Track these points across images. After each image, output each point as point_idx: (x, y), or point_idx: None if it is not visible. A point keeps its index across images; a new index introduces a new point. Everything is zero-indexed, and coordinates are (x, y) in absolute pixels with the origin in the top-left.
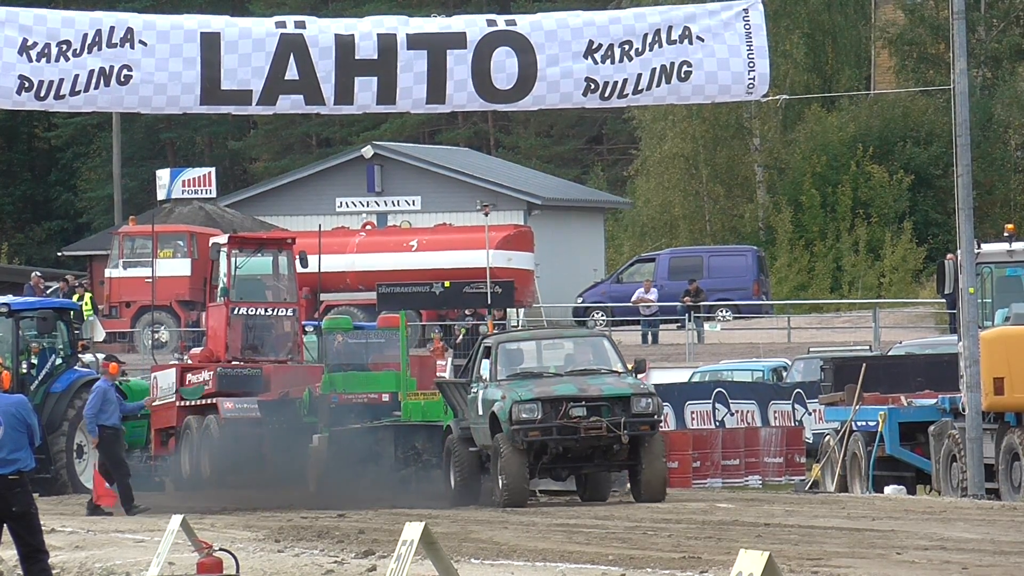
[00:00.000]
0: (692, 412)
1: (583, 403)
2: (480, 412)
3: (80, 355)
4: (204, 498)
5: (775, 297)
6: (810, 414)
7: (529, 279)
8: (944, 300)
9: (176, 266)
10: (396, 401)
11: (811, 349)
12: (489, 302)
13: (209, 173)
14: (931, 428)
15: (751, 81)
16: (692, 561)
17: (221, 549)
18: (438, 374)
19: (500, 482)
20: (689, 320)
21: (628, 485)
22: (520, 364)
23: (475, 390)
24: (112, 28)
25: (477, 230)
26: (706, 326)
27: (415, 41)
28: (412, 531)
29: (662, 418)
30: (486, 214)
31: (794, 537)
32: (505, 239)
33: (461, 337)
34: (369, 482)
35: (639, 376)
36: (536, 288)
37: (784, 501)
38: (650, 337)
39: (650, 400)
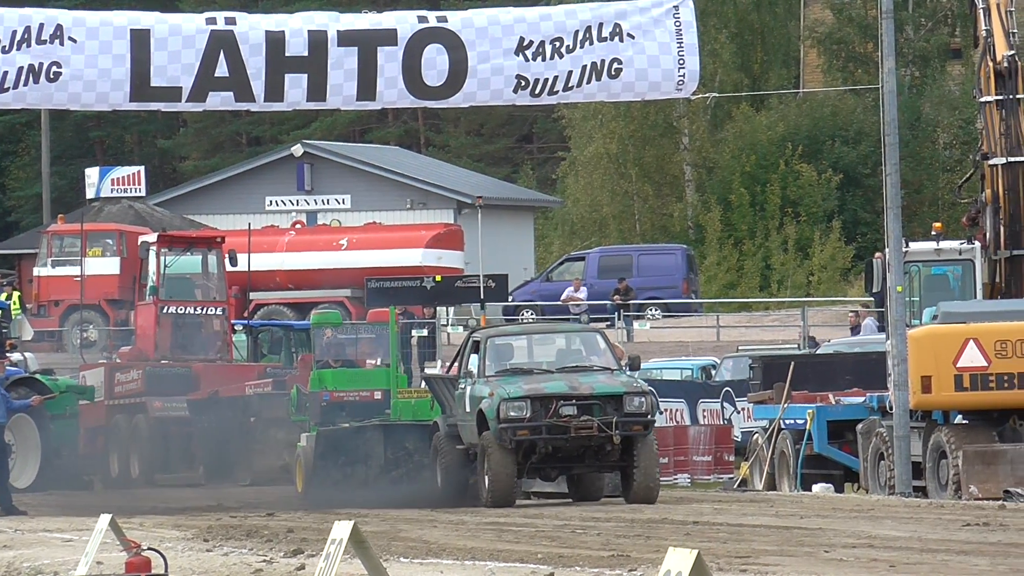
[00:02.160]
0: None
1: (574, 401)
2: (468, 409)
3: (8, 354)
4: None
5: (704, 296)
6: (739, 412)
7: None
8: (872, 299)
9: (105, 265)
10: (389, 399)
11: (740, 347)
12: (482, 296)
13: (138, 172)
14: (859, 426)
15: (681, 78)
16: (621, 559)
17: (149, 548)
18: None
19: (486, 482)
20: (619, 319)
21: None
22: (510, 360)
23: (463, 386)
24: (41, 25)
25: (407, 228)
26: (635, 324)
27: (346, 38)
28: (341, 530)
29: (656, 418)
30: (479, 205)
31: (723, 535)
32: (435, 238)
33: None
34: (358, 483)
35: (634, 373)
36: None
37: (713, 499)
38: None
39: (643, 399)
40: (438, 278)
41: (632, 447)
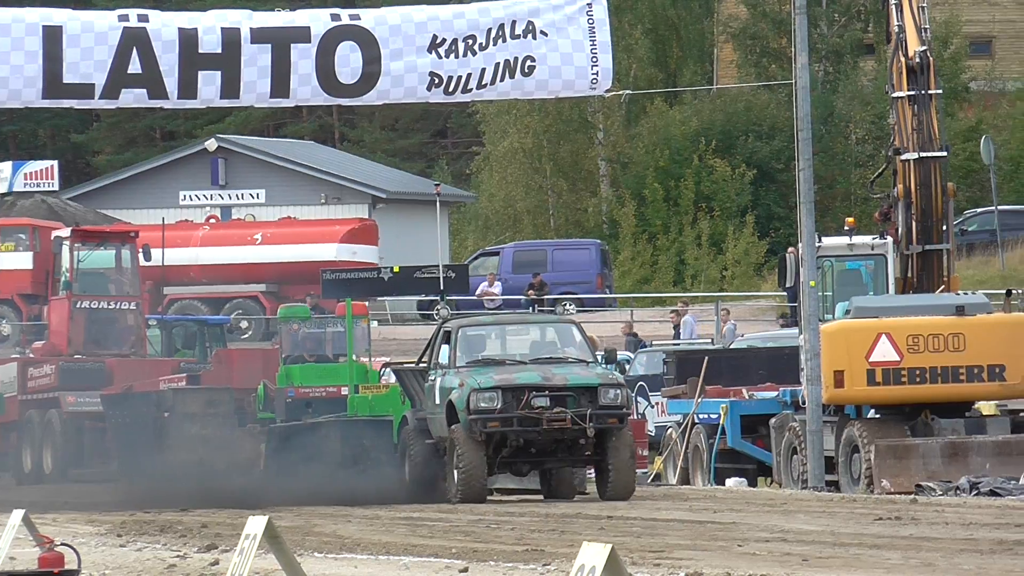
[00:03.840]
0: None
1: (546, 393)
2: (437, 401)
3: None
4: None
5: (618, 290)
6: (653, 407)
7: None
8: (785, 293)
9: (18, 259)
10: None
11: (654, 342)
12: (442, 287)
13: (52, 166)
14: (772, 421)
15: (594, 76)
16: (535, 554)
17: (63, 544)
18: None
19: (456, 477)
20: (533, 313)
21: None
22: (482, 350)
23: (432, 377)
24: None
25: (322, 223)
26: None
27: (259, 35)
28: (255, 525)
29: (631, 411)
30: (438, 194)
31: (636, 529)
32: (350, 232)
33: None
34: (313, 481)
35: (610, 365)
36: None
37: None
38: None
39: (619, 391)
40: (396, 269)
41: (607, 441)
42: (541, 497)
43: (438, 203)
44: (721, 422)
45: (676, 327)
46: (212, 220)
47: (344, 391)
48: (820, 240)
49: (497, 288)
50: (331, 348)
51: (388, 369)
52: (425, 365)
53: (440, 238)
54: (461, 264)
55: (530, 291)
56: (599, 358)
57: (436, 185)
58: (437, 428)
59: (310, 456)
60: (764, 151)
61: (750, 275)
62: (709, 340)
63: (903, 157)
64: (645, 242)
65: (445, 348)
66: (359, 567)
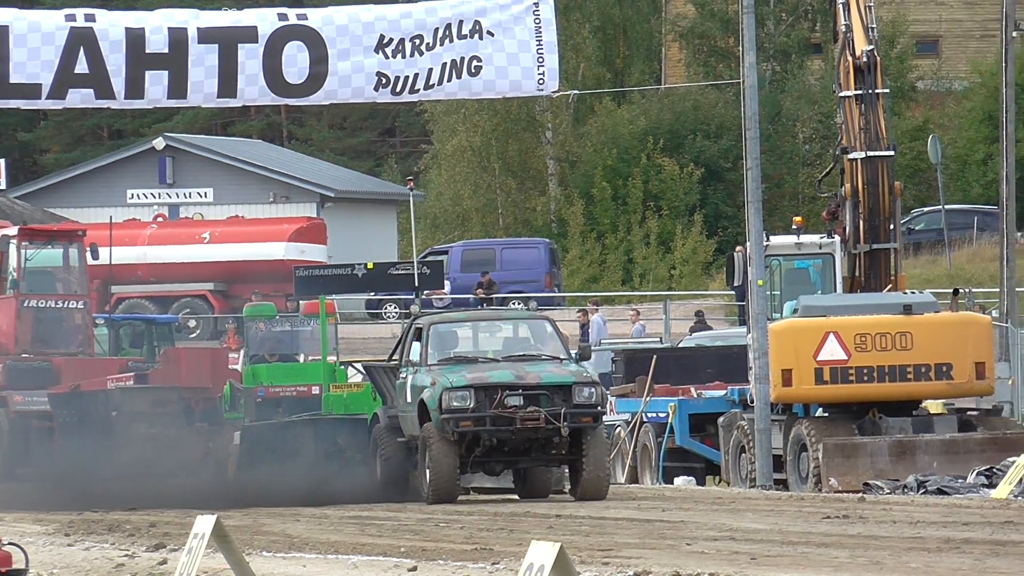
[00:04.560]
0: None
1: (520, 391)
2: (409, 399)
3: None
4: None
5: (567, 289)
6: None
7: None
8: (734, 292)
9: None
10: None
11: (602, 341)
12: (416, 284)
13: None
14: (720, 419)
15: (541, 76)
16: (484, 553)
17: (10, 543)
18: (231, 367)
19: (428, 476)
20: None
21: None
22: (454, 348)
23: (404, 375)
24: None
25: (270, 222)
26: None
27: (206, 35)
28: (203, 524)
29: (606, 410)
30: (411, 189)
31: (585, 528)
32: (298, 231)
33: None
34: (287, 481)
35: (585, 364)
36: None
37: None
38: None
39: (593, 390)
40: (370, 265)
41: (581, 440)
42: (516, 496)
43: (412, 200)
44: (669, 421)
45: (583, 327)
46: (160, 219)
47: (315, 390)
48: (768, 239)
49: (446, 287)
50: (293, 347)
51: (352, 367)
52: (396, 362)
53: (413, 233)
54: (437, 260)
55: (479, 290)
56: (573, 355)
57: (409, 179)
58: (409, 426)
59: (285, 455)
60: (712, 150)
61: (698, 274)
62: (658, 339)
63: (850, 156)
64: (593, 241)
65: (416, 345)
66: (308, 566)
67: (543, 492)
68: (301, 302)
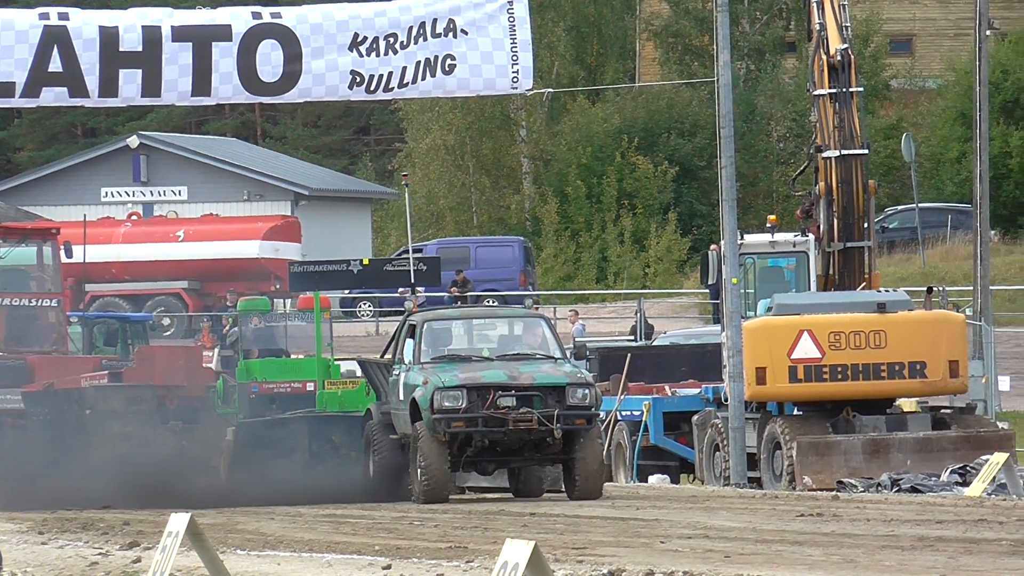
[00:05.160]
0: None
1: (513, 392)
2: (401, 397)
3: None
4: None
5: (541, 288)
6: None
7: None
8: (708, 291)
9: None
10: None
11: (577, 339)
12: (412, 280)
13: None
14: (694, 418)
15: (515, 75)
16: (459, 551)
17: None
18: (205, 365)
19: (419, 475)
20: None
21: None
22: (447, 346)
23: (397, 372)
24: None
25: (244, 220)
26: None
27: (180, 33)
28: (177, 522)
29: (600, 411)
30: (407, 184)
31: (559, 527)
32: (272, 230)
33: (229, 327)
34: (281, 478)
35: (580, 363)
36: None
37: (549, 491)
38: None
39: (587, 391)
40: (365, 261)
41: (574, 441)
42: (511, 495)
43: (407, 195)
44: (644, 419)
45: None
46: (134, 217)
47: (310, 387)
48: (742, 237)
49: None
50: (283, 342)
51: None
52: (390, 358)
53: (409, 228)
54: (432, 257)
55: (453, 288)
56: (568, 354)
57: (404, 175)
58: (401, 424)
59: (279, 453)
60: (686, 148)
61: (672, 272)
62: (632, 337)
63: (825, 155)
64: (568, 239)
65: (410, 343)
66: (282, 564)
67: (536, 491)
68: (292, 298)
